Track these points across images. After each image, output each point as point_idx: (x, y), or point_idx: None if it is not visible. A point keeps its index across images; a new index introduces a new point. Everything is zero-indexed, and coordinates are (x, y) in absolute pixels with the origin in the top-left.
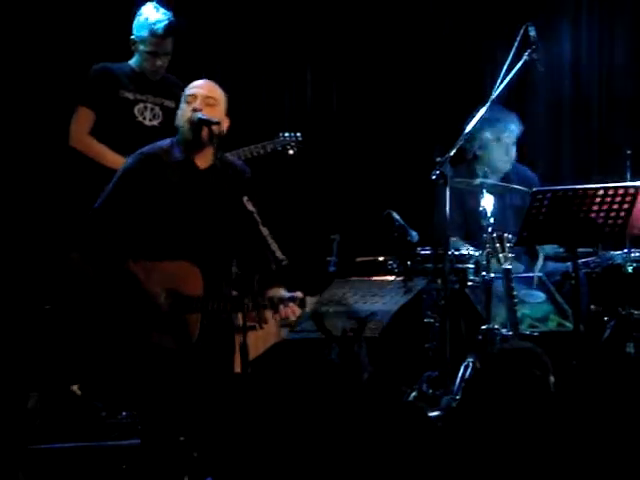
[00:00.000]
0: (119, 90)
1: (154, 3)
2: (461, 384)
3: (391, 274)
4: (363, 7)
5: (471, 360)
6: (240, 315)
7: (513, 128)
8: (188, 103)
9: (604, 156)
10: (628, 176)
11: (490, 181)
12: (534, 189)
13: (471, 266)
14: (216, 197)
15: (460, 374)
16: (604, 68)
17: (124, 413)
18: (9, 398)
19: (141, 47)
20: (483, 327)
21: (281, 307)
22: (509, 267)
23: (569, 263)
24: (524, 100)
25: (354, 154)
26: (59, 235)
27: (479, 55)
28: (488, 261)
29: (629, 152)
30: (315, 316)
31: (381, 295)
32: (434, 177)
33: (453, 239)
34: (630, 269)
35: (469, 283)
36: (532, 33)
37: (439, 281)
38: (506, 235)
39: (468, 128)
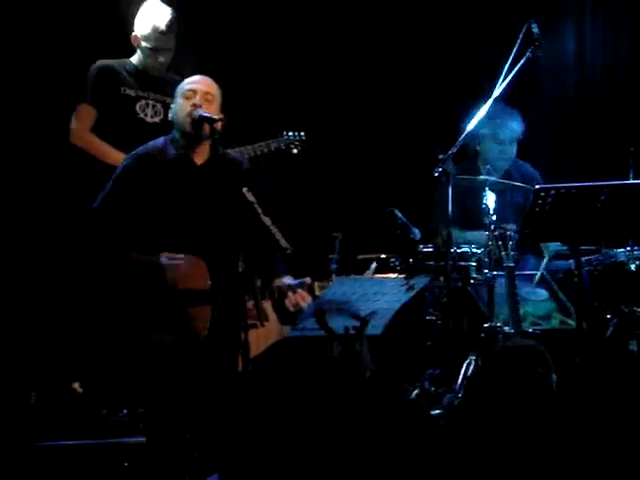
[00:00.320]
0: (121, 87)
1: None
2: (463, 382)
3: (393, 272)
4: (365, 4)
5: (473, 358)
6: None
7: (512, 125)
8: (187, 98)
9: (607, 154)
10: (631, 174)
11: (493, 178)
12: (537, 186)
13: (473, 264)
14: (215, 191)
15: (462, 372)
16: (607, 66)
17: (125, 411)
18: (11, 396)
19: (143, 43)
20: (485, 325)
21: (290, 294)
22: (511, 265)
23: (572, 261)
24: (527, 98)
25: (356, 152)
26: (60, 233)
27: (482, 53)
28: (490, 259)
29: (632, 149)
30: (317, 313)
31: (383, 293)
32: (437, 174)
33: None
34: (633, 267)
35: (471, 281)
36: (535, 30)
37: (441, 279)
38: (508, 233)
39: (470, 126)
